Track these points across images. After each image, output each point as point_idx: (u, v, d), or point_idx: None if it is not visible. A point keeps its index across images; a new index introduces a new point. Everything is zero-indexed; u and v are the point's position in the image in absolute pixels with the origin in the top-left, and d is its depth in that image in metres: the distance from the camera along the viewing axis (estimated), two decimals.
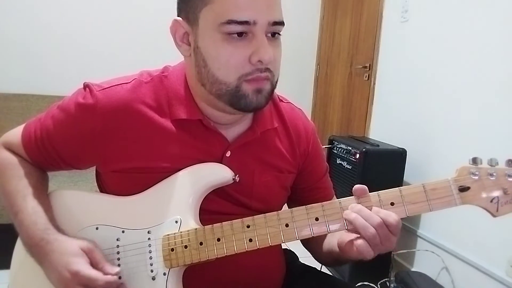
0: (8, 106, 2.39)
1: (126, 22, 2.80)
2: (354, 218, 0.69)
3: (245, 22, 0.68)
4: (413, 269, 2.11)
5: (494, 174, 0.69)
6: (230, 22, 0.68)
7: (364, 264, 0.80)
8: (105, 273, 0.70)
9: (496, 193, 0.69)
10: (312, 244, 0.93)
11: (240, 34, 0.69)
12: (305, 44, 3.28)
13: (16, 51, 2.60)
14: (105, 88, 0.79)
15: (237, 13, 0.68)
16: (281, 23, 0.72)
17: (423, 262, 2.09)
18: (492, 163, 0.69)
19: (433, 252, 2.00)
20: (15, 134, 0.85)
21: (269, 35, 0.72)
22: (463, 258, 1.84)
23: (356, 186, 0.72)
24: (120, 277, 0.74)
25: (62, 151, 0.81)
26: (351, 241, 0.71)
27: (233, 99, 0.73)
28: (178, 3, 0.76)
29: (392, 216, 0.68)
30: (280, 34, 0.74)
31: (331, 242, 0.85)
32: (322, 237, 0.89)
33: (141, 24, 2.81)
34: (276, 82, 0.77)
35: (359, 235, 0.69)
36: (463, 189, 0.69)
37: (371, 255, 0.70)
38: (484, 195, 0.69)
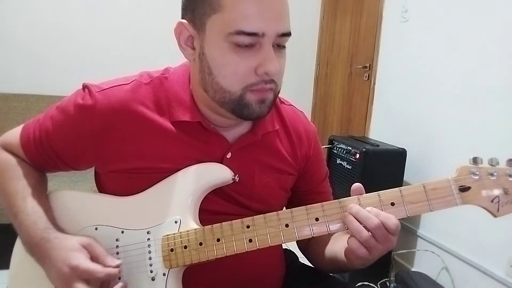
0: (8, 106, 2.39)
1: (127, 23, 2.80)
2: (349, 221, 0.69)
3: (254, 34, 0.67)
4: (413, 269, 2.11)
5: (495, 173, 0.68)
6: (239, 32, 0.67)
7: None
8: (106, 266, 0.70)
9: (497, 193, 0.68)
10: (312, 249, 0.93)
11: (248, 45, 0.69)
12: (305, 44, 3.28)
13: (16, 51, 2.60)
14: (104, 89, 0.78)
15: (246, 24, 0.67)
16: (289, 34, 0.72)
17: (423, 262, 2.09)
18: (493, 162, 0.69)
19: (433, 252, 2.00)
20: (14, 134, 0.85)
21: (276, 45, 0.71)
22: (463, 258, 1.84)
23: (354, 186, 0.72)
24: (119, 278, 0.74)
25: (60, 152, 0.81)
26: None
27: (236, 107, 0.73)
28: (184, 5, 0.74)
29: (391, 220, 0.68)
30: (285, 47, 0.74)
31: (334, 249, 0.84)
32: (323, 244, 0.88)
33: (142, 25, 2.81)
34: (279, 91, 0.77)
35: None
36: (463, 189, 0.69)
37: (368, 257, 0.69)
38: (484, 195, 0.68)
